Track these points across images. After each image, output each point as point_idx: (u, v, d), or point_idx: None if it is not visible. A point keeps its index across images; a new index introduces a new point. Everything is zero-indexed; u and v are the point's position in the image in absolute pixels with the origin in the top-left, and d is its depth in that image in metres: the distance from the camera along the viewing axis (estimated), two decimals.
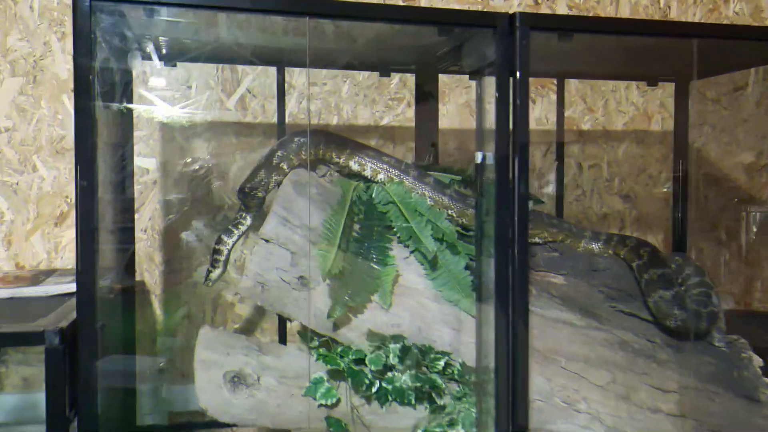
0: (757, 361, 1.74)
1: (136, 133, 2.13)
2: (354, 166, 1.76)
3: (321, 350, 1.56)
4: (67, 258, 2.10)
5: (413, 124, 2.31)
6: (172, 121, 2.16)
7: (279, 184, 1.68)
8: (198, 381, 1.49)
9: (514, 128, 1.37)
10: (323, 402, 1.50)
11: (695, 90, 2.29)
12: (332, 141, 1.75)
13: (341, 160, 1.76)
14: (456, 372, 1.56)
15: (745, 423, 1.66)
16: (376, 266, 1.62)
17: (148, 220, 2.15)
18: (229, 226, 1.74)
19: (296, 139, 1.67)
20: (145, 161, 2.15)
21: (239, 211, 1.75)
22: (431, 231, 1.66)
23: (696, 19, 2.57)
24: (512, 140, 1.40)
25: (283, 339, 1.96)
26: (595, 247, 1.85)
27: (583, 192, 2.47)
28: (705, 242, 2.57)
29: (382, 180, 1.76)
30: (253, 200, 1.71)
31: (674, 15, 2.55)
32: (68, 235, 2.11)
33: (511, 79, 1.39)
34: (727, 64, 1.91)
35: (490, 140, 1.56)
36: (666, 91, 2.51)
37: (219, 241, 1.72)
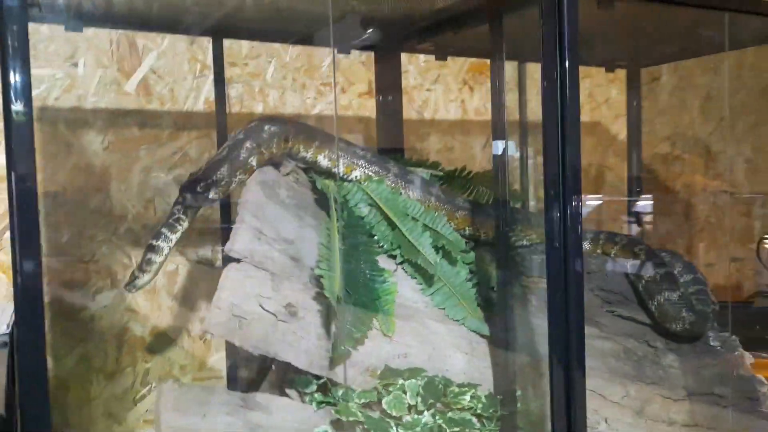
0: (749, 357, 1.68)
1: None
2: (323, 161, 1.44)
3: (317, 396, 1.22)
4: None
5: (349, 112, 2.01)
6: (53, 108, 1.67)
7: (242, 184, 1.31)
8: None
9: (563, 114, 1.14)
10: None
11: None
12: (300, 131, 1.41)
13: (309, 155, 1.42)
14: (480, 406, 1.30)
15: (750, 426, 1.59)
16: (372, 284, 1.32)
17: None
18: (171, 221, 1.32)
19: (267, 128, 1.31)
20: None
21: (176, 206, 1.34)
22: (431, 240, 1.38)
23: None
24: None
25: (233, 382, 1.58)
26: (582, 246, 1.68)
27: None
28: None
29: (358, 178, 1.45)
30: (203, 202, 1.32)
31: None
32: None
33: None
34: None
35: (502, 128, 1.32)
36: (593, 80, 2.43)
37: (158, 236, 1.31)
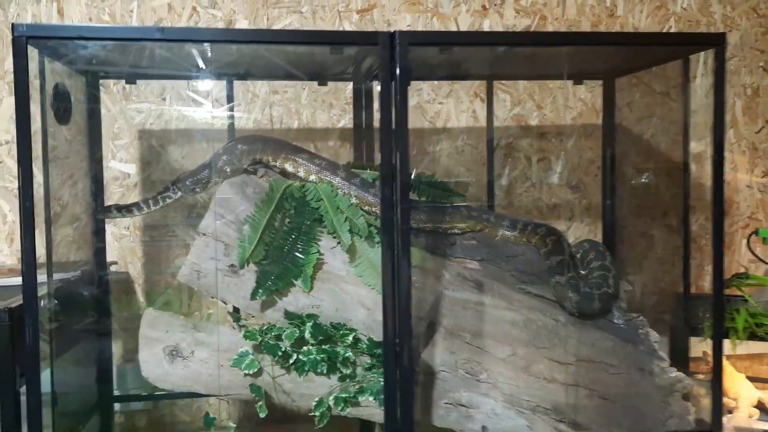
0: (654, 336, 1.90)
1: (116, 143, 2.43)
2: (289, 168, 2.00)
3: (251, 329, 1.81)
4: (60, 253, 2.42)
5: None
6: (148, 130, 2.44)
7: (217, 184, 1.93)
8: (142, 355, 1.77)
9: (397, 128, 1.58)
10: (247, 371, 1.75)
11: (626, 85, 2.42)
12: (269, 146, 1.99)
13: (277, 163, 2.00)
14: (366, 347, 1.78)
15: (635, 392, 1.83)
16: (300, 255, 1.86)
17: (130, 219, 2.45)
18: (159, 196, 1.96)
19: (239, 146, 1.92)
20: (126, 167, 2.44)
21: (169, 189, 1.98)
22: (349, 226, 1.88)
23: (643, 17, 2.70)
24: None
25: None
26: (510, 235, 2.03)
27: (533, 184, 2.64)
28: (657, 229, 2.70)
29: (314, 180, 1.99)
30: (188, 193, 1.96)
31: (620, 13, 2.68)
32: (61, 233, 2.42)
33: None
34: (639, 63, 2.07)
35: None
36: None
37: (146, 201, 1.96)
